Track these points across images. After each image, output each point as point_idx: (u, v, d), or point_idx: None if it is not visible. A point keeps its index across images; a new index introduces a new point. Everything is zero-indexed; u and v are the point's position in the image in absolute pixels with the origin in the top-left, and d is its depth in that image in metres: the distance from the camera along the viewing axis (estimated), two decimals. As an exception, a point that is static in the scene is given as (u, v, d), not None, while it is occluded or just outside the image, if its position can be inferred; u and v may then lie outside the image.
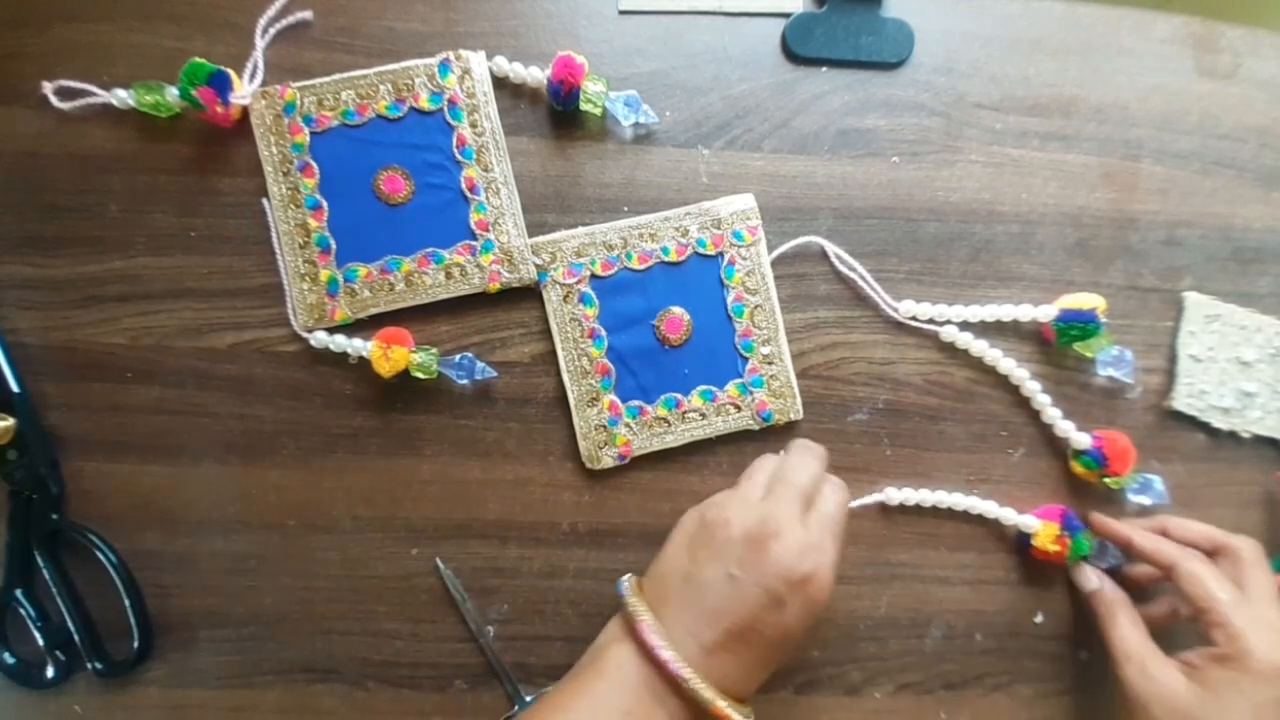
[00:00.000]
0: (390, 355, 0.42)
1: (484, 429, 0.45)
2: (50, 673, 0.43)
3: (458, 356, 0.43)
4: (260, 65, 0.43)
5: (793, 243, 0.45)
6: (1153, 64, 0.48)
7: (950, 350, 0.47)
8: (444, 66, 0.44)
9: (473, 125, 0.44)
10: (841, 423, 0.46)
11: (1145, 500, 0.46)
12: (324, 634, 0.44)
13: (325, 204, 0.43)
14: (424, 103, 0.43)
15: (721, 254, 0.45)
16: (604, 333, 0.45)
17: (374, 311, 0.44)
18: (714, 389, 0.45)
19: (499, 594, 0.45)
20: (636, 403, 0.45)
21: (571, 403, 0.44)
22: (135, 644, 0.43)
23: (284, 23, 0.43)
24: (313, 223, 0.43)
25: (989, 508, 0.45)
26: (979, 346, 0.46)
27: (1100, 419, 0.47)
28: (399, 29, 0.44)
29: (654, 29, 0.46)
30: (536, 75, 0.43)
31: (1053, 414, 0.46)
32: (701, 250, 0.45)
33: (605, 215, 0.45)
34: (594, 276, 0.45)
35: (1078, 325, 0.45)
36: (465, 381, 0.43)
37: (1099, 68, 0.48)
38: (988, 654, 0.47)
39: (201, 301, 0.44)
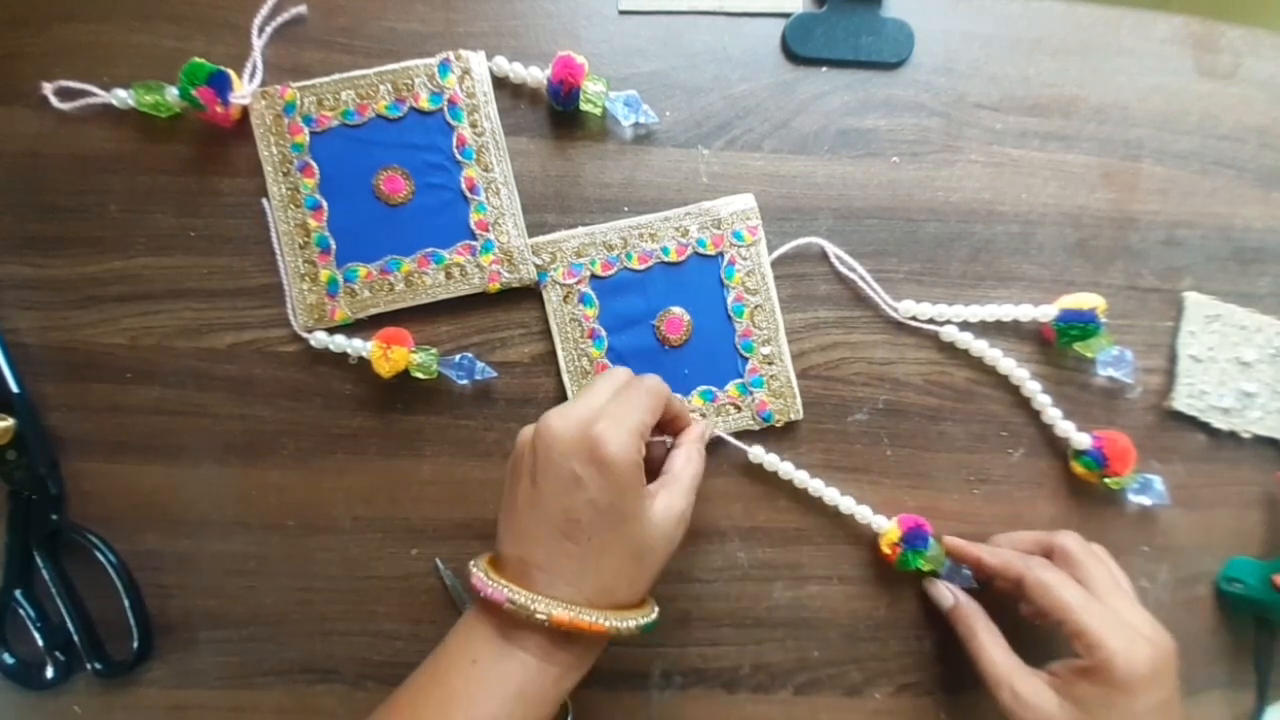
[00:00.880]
0: (390, 355, 0.42)
1: (484, 429, 0.45)
2: (50, 673, 0.43)
3: (458, 356, 0.43)
4: (259, 65, 0.43)
5: (793, 243, 0.45)
6: (1153, 64, 0.48)
7: (950, 350, 0.47)
8: (444, 66, 0.44)
9: (473, 125, 0.44)
10: (841, 423, 0.46)
11: (1145, 500, 0.46)
12: (324, 634, 0.44)
13: (325, 204, 0.43)
14: (424, 103, 0.43)
15: (721, 254, 0.45)
16: (604, 333, 0.45)
17: (374, 312, 0.44)
18: (714, 389, 0.45)
19: (499, 594, 0.45)
20: (636, 403, 0.45)
21: (571, 403, 0.44)
22: (135, 644, 0.43)
23: (279, 20, 0.43)
24: (313, 223, 0.43)
25: (847, 503, 0.45)
26: (979, 346, 0.46)
27: (1100, 419, 0.47)
28: (399, 29, 0.44)
29: (654, 29, 0.46)
30: (536, 75, 0.43)
31: (1053, 414, 0.46)
32: (701, 250, 0.45)
33: (605, 215, 0.45)
34: (594, 277, 0.45)
35: (1078, 325, 0.45)
36: (465, 382, 0.43)
37: (1099, 68, 0.48)
38: (988, 654, 0.47)
39: (201, 301, 0.44)
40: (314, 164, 0.43)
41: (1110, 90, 0.48)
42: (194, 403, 0.44)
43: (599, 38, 0.45)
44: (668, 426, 0.39)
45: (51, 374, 0.43)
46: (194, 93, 0.41)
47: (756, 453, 0.45)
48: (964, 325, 0.46)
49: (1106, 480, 0.45)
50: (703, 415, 0.45)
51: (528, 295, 0.45)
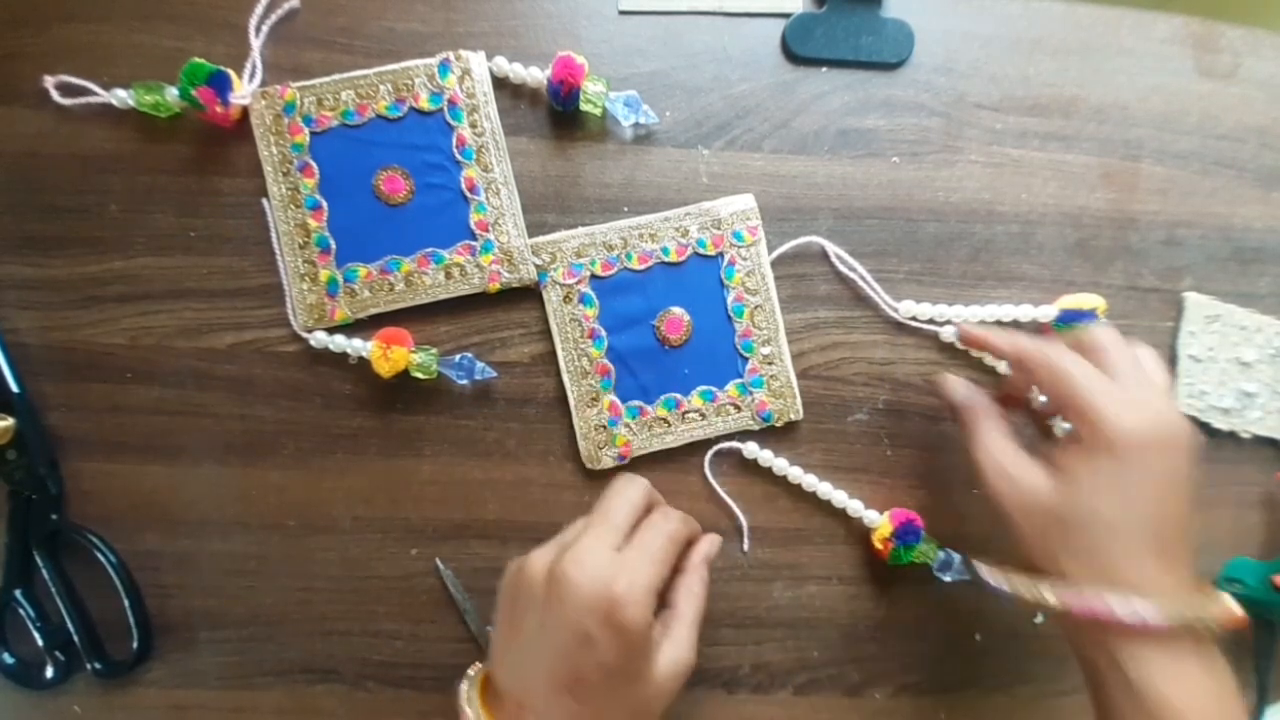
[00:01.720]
0: (390, 355, 0.42)
1: (484, 429, 0.45)
2: (49, 673, 0.43)
3: (457, 356, 0.43)
4: (259, 65, 0.43)
5: (793, 243, 0.45)
6: (1153, 64, 0.48)
7: (950, 350, 0.47)
8: (444, 67, 0.44)
9: (473, 125, 0.44)
10: (841, 423, 0.46)
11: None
12: (324, 635, 0.44)
13: (325, 204, 0.43)
14: (424, 103, 0.43)
15: (721, 254, 0.45)
16: (604, 333, 0.45)
17: (374, 311, 0.44)
18: (714, 389, 0.45)
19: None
20: (636, 403, 0.45)
21: (571, 403, 0.44)
22: (135, 644, 0.43)
23: (274, 18, 0.43)
24: (312, 223, 0.43)
25: (842, 498, 0.45)
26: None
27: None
28: (399, 29, 0.44)
29: (654, 29, 0.46)
30: (536, 75, 0.43)
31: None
32: (701, 250, 0.45)
33: (605, 215, 0.45)
34: (594, 277, 0.44)
35: (1078, 325, 0.45)
36: (465, 382, 0.43)
37: (1099, 68, 0.48)
38: (988, 654, 0.47)
39: (201, 301, 0.44)
40: (314, 164, 0.43)
41: (1110, 90, 0.48)
42: (194, 403, 0.44)
43: (599, 38, 0.45)
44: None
45: (51, 374, 0.43)
46: (194, 93, 0.41)
47: (755, 452, 0.45)
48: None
49: None
50: (702, 416, 0.45)
51: (528, 295, 0.45)
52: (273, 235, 0.43)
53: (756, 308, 0.45)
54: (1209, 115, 0.48)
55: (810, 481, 0.45)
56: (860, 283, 0.46)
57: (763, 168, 0.46)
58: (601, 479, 0.45)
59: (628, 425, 0.45)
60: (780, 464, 0.45)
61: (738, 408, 0.45)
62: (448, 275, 0.44)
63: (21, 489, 0.42)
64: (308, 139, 0.43)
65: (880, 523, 0.44)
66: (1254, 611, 0.47)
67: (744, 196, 0.45)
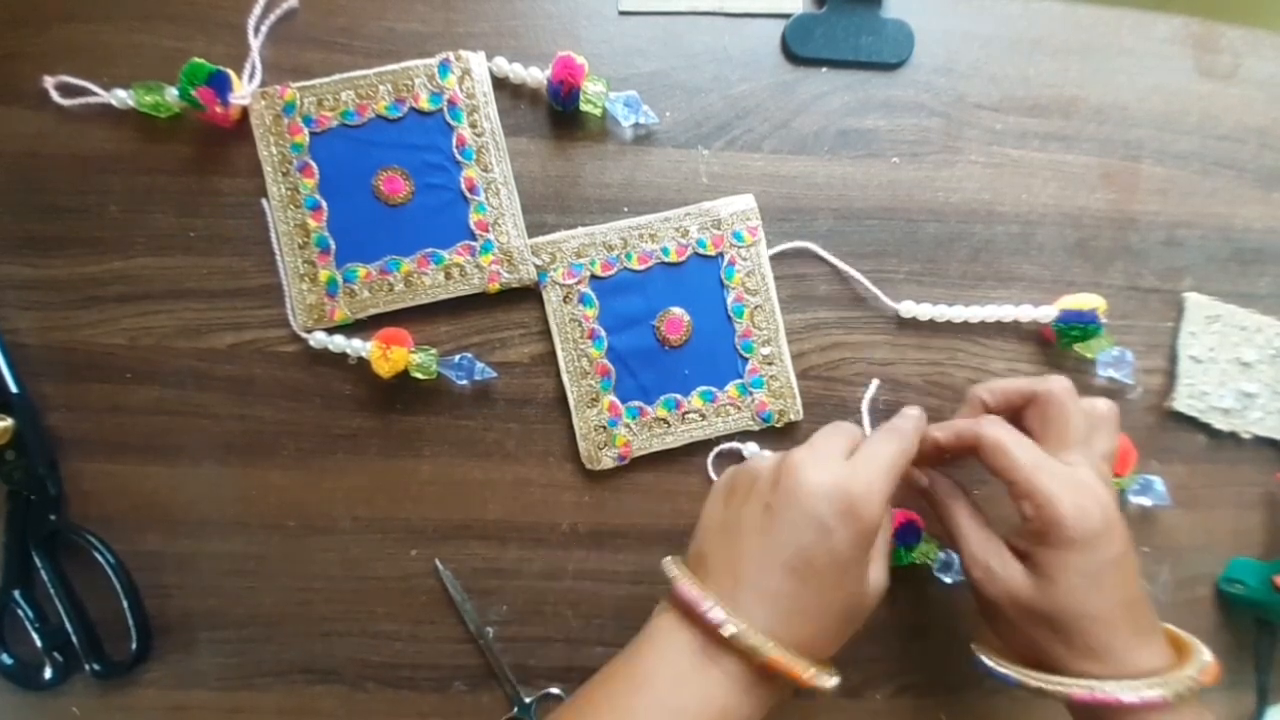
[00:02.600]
0: (390, 356, 0.42)
1: (484, 429, 0.45)
2: (48, 674, 0.43)
3: (457, 357, 0.43)
4: (258, 65, 0.43)
5: (786, 245, 0.45)
6: (1153, 64, 0.48)
7: (950, 350, 0.47)
8: (444, 67, 0.44)
9: (472, 126, 0.44)
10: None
11: (1146, 501, 0.46)
12: (323, 635, 0.44)
13: (325, 204, 0.43)
14: (424, 103, 0.43)
15: (721, 254, 0.45)
16: (604, 333, 0.45)
17: (373, 312, 0.44)
18: (714, 389, 0.45)
19: (499, 595, 0.45)
20: (636, 403, 0.45)
21: (571, 403, 0.44)
22: (134, 645, 0.43)
23: (273, 18, 0.43)
24: (312, 223, 0.43)
25: None
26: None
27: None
28: (399, 29, 0.44)
29: (654, 29, 0.46)
30: (536, 75, 0.43)
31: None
32: (701, 251, 0.45)
33: (605, 215, 0.45)
34: (594, 277, 0.44)
35: (1078, 326, 0.45)
36: (465, 382, 0.43)
37: (1099, 68, 0.48)
38: (988, 655, 0.47)
39: (201, 301, 0.44)
40: (314, 164, 0.43)
41: (1110, 90, 0.48)
42: (194, 403, 0.44)
43: (599, 38, 0.45)
44: None
45: (51, 374, 0.43)
46: (194, 93, 0.41)
47: (756, 453, 0.45)
48: (964, 325, 0.46)
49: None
50: (702, 416, 0.45)
51: (528, 295, 0.45)
52: (272, 235, 0.43)
53: (756, 308, 0.45)
54: (1209, 115, 0.48)
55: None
56: (860, 282, 0.46)
57: (763, 168, 0.46)
58: (601, 480, 0.45)
59: (627, 426, 0.45)
60: (780, 464, 0.45)
61: (738, 408, 0.45)
62: (447, 275, 0.44)
63: (21, 489, 0.42)
64: (307, 139, 0.43)
65: None
66: (1254, 612, 0.48)
67: (744, 197, 0.45)
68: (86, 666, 0.43)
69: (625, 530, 0.45)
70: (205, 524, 0.44)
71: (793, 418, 0.45)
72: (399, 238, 0.44)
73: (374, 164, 0.43)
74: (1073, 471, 0.36)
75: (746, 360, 0.45)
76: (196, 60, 0.41)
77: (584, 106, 0.44)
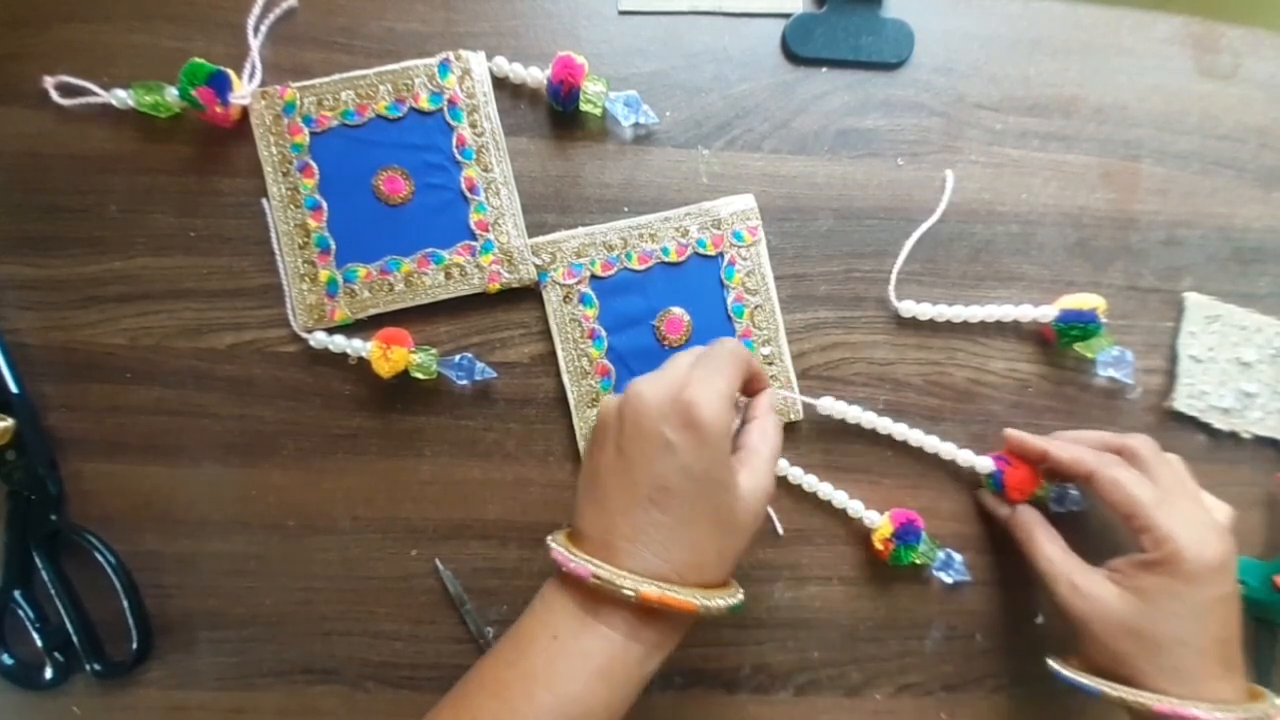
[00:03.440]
0: (390, 356, 0.42)
1: (484, 429, 0.45)
2: (49, 674, 0.43)
3: (457, 357, 0.43)
4: (258, 65, 0.43)
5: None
6: (1153, 64, 0.48)
7: (950, 350, 0.47)
8: (444, 67, 0.44)
9: (473, 125, 0.44)
10: (842, 423, 0.46)
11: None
12: (324, 635, 0.44)
13: (325, 204, 0.43)
14: (424, 103, 0.43)
15: (721, 254, 0.45)
16: (604, 333, 0.45)
17: (374, 312, 0.44)
18: (714, 389, 0.45)
19: (499, 595, 0.45)
20: (636, 403, 0.45)
21: (571, 403, 0.44)
22: (134, 645, 0.43)
23: (272, 17, 0.43)
24: (312, 223, 0.43)
25: (839, 497, 0.45)
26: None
27: (1100, 419, 0.47)
28: (399, 29, 0.44)
29: (654, 29, 0.46)
30: (536, 75, 0.43)
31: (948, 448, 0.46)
32: (701, 250, 0.45)
33: (605, 215, 0.45)
34: (594, 277, 0.44)
35: (1078, 326, 0.45)
36: (465, 382, 0.43)
37: (1099, 68, 0.48)
38: (988, 654, 0.47)
39: (201, 301, 0.44)
40: (314, 164, 0.43)
41: (1110, 90, 0.48)
42: (194, 403, 0.44)
43: (599, 38, 0.45)
44: (745, 387, 0.37)
45: (51, 374, 0.43)
46: (194, 93, 0.41)
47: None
48: (964, 325, 0.46)
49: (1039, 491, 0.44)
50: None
51: (528, 295, 0.45)
52: (272, 235, 0.43)
53: (756, 308, 0.45)
54: (1209, 115, 0.48)
55: (810, 481, 0.45)
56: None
57: (763, 168, 0.46)
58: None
59: (628, 425, 0.45)
60: (780, 464, 0.45)
61: (737, 408, 0.45)
62: (448, 275, 0.44)
63: (21, 489, 0.42)
64: (308, 139, 0.43)
65: (880, 523, 0.44)
66: (1254, 611, 0.47)
67: (744, 196, 0.45)
68: (87, 666, 0.43)
69: (625, 530, 0.45)
70: (205, 524, 0.44)
71: (793, 417, 0.45)
72: (399, 238, 0.44)
73: (374, 164, 0.43)
74: (1192, 510, 0.38)
75: (746, 360, 0.45)
76: (196, 60, 0.42)
77: (584, 106, 0.44)
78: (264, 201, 0.43)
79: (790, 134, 0.46)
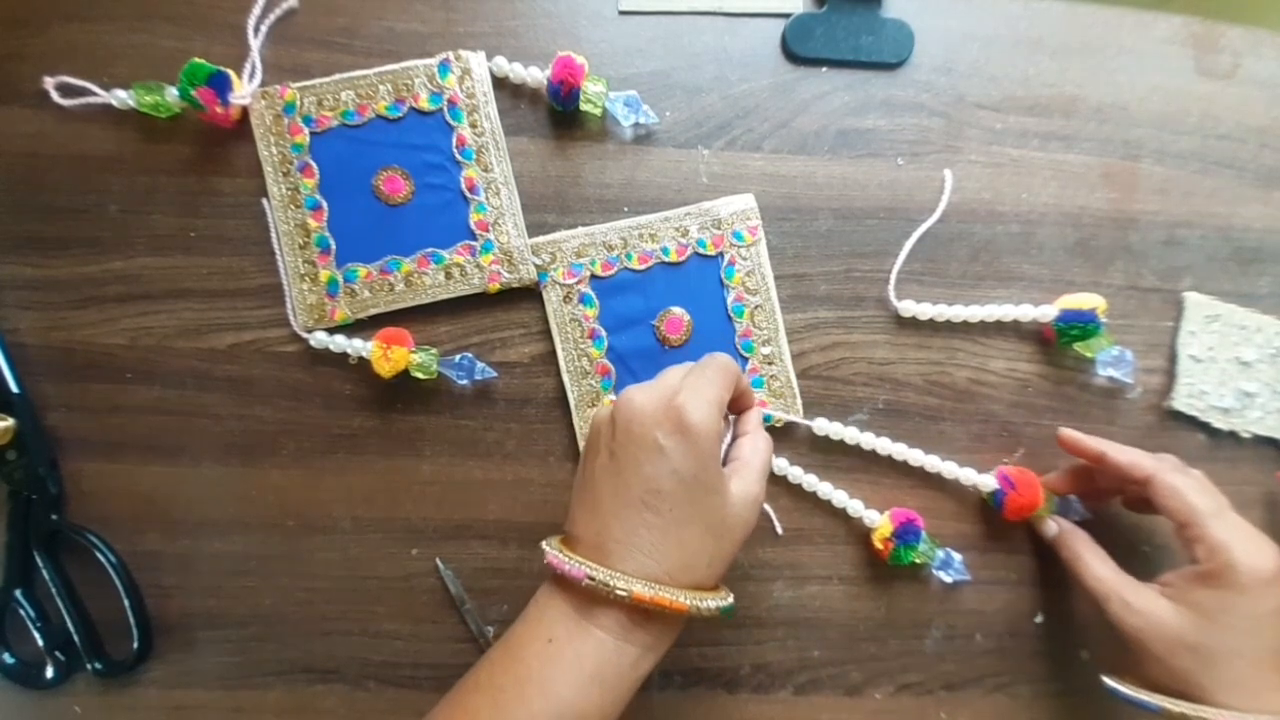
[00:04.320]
0: (390, 355, 0.42)
1: (484, 429, 0.45)
2: (50, 673, 0.43)
3: (458, 357, 0.43)
4: (258, 65, 0.43)
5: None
6: (1153, 64, 0.48)
7: (950, 350, 0.47)
8: (444, 67, 0.44)
9: (473, 125, 0.44)
10: (842, 423, 0.46)
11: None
12: (324, 634, 0.44)
13: (325, 204, 0.43)
14: (424, 103, 0.43)
15: (721, 254, 0.45)
16: (604, 333, 0.45)
17: (374, 312, 0.44)
18: (714, 389, 0.45)
19: (499, 594, 0.45)
20: (636, 403, 0.45)
21: (571, 403, 0.44)
22: (135, 644, 0.43)
23: (273, 18, 0.43)
24: (312, 223, 0.43)
25: (839, 497, 0.45)
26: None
27: (1100, 419, 0.47)
28: (399, 29, 0.44)
29: (654, 29, 0.46)
30: (536, 75, 0.43)
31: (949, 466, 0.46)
32: (701, 250, 0.45)
33: (605, 215, 0.45)
34: (594, 277, 0.45)
35: (1078, 325, 0.45)
36: (465, 382, 0.43)
37: (1099, 68, 0.48)
38: (988, 654, 0.47)
39: (201, 302, 0.44)
40: (314, 164, 0.43)
41: (1110, 90, 0.48)
42: (194, 403, 0.44)
43: (599, 38, 0.45)
44: (733, 404, 0.38)
45: (51, 374, 0.43)
46: (194, 93, 0.41)
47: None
48: (964, 325, 0.46)
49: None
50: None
51: (528, 295, 0.45)
52: (273, 235, 0.43)
53: (756, 308, 0.45)
54: (1209, 115, 0.48)
55: (810, 481, 0.45)
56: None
57: (763, 168, 0.46)
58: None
59: (628, 425, 0.45)
60: (780, 464, 0.45)
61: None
62: (448, 275, 0.44)
63: (21, 489, 0.42)
64: (308, 139, 0.43)
65: (880, 523, 0.44)
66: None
67: (744, 196, 0.45)
68: (88, 666, 0.43)
69: (625, 530, 0.45)
70: (205, 524, 0.44)
71: (792, 417, 0.45)
72: (399, 238, 0.44)
73: (374, 164, 0.43)
74: (1241, 522, 0.38)
75: (747, 360, 0.45)
76: (196, 60, 0.42)
77: (584, 106, 0.44)
78: (264, 201, 0.43)
79: (790, 134, 0.46)
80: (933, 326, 0.46)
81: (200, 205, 0.44)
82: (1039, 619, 0.47)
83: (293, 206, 0.43)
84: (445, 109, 0.44)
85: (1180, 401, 0.47)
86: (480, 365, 0.43)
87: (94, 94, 0.42)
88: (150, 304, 0.44)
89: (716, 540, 0.34)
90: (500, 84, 0.44)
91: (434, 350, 0.43)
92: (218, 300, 0.44)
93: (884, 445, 0.45)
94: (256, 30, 0.43)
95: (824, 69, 0.46)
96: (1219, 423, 0.48)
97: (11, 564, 0.43)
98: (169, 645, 0.44)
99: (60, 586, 0.43)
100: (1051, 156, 0.47)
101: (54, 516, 0.43)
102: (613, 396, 0.44)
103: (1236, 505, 0.48)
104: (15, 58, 0.43)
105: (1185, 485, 0.39)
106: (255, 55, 0.43)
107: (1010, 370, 0.47)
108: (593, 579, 0.32)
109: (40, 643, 0.43)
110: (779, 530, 0.46)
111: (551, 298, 0.44)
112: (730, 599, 0.34)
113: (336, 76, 0.43)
